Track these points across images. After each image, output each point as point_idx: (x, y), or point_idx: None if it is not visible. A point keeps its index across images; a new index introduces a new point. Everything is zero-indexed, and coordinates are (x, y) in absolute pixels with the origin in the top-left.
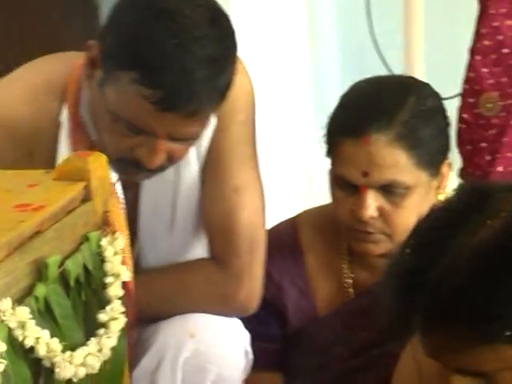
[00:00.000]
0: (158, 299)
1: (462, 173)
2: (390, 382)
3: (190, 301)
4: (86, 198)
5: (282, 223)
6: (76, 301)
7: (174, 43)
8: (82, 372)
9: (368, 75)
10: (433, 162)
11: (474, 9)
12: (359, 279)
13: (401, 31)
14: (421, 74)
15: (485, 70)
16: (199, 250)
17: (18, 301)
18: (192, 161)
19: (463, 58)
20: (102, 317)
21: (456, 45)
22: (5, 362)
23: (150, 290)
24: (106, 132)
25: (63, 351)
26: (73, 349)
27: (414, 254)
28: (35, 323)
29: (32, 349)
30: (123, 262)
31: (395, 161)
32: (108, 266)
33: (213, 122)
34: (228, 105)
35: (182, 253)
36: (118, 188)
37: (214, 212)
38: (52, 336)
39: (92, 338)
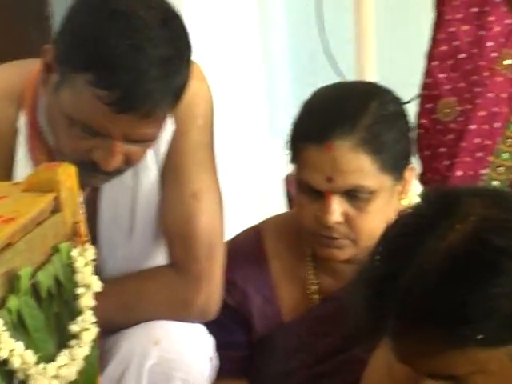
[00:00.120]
0: (117, 308)
1: (421, 178)
2: None
3: (150, 308)
4: (56, 209)
5: (245, 230)
6: (48, 312)
7: (127, 44)
8: None
9: (320, 83)
10: (396, 167)
11: (425, 16)
12: (323, 285)
13: (352, 39)
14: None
15: (442, 75)
16: (159, 256)
17: None
18: (150, 166)
19: (415, 65)
20: (74, 328)
21: (407, 52)
22: None
23: (109, 299)
24: (63, 136)
25: (37, 363)
26: (46, 361)
27: (383, 260)
28: (9, 335)
29: (5, 361)
30: None
31: (359, 166)
32: (79, 277)
33: (171, 127)
34: (186, 110)
35: (142, 260)
36: None
37: (172, 217)
38: (26, 348)
39: (64, 350)
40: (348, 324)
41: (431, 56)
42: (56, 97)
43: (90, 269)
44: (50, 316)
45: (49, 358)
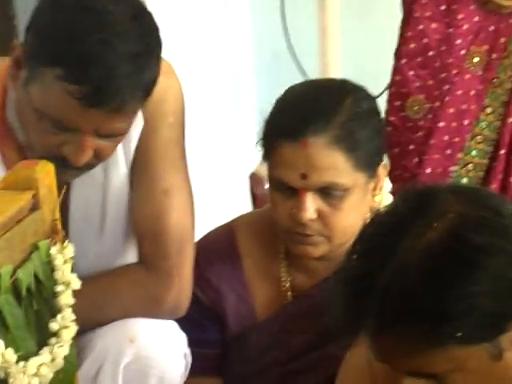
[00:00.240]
0: (89, 307)
1: (390, 175)
2: (330, 383)
3: (122, 306)
4: (35, 206)
5: (218, 228)
6: (28, 310)
7: (97, 39)
8: (35, 382)
9: (283, 81)
10: (370, 164)
11: (389, 15)
12: (297, 282)
13: (317, 38)
14: None
15: (411, 72)
16: (131, 254)
17: None
18: (120, 162)
19: (379, 64)
20: (54, 325)
21: (372, 51)
22: None
23: (80, 298)
24: (33, 131)
25: (17, 362)
26: (26, 359)
27: (361, 259)
28: None
29: None
30: None
31: (333, 163)
32: (58, 275)
33: (141, 123)
34: (157, 107)
35: (113, 257)
36: None
37: (143, 214)
38: (6, 346)
39: (44, 348)
40: (322, 321)
41: (400, 53)
42: (25, 92)
43: (69, 266)
44: (29, 314)
45: (29, 357)
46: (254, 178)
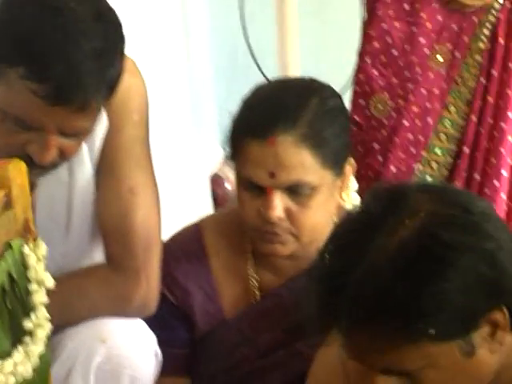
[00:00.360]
0: (57, 308)
1: (355, 174)
2: (297, 381)
3: (90, 306)
4: (7, 205)
5: (186, 228)
6: (1, 309)
7: (59, 37)
8: (11, 381)
9: (242, 82)
10: (337, 162)
11: (348, 12)
12: (264, 281)
13: (275, 36)
14: None
15: (375, 71)
16: (97, 253)
17: None
18: (85, 161)
19: (339, 62)
20: (28, 324)
21: (331, 50)
22: None
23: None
24: None
25: None
26: (1, 357)
27: (333, 257)
28: None
29: None
30: None
31: (301, 161)
32: (32, 273)
33: (105, 122)
34: (121, 106)
35: (80, 257)
36: None
37: (109, 213)
38: None
39: (19, 346)
40: (289, 319)
41: (363, 52)
42: None
43: (42, 265)
44: (3, 313)
45: (4, 355)
46: (215, 179)
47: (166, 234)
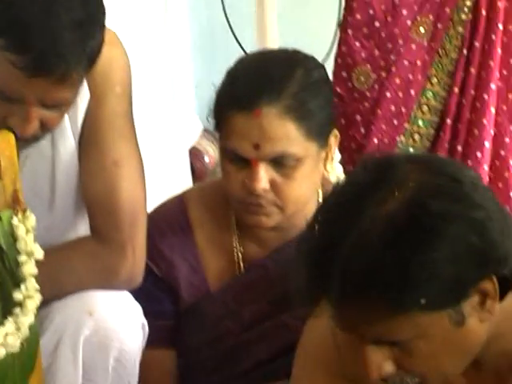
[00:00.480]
0: (43, 282)
1: (338, 146)
2: (283, 353)
3: (76, 279)
4: None
5: (170, 200)
6: None
7: (39, 8)
8: (1, 352)
9: (220, 55)
10: (321, 133)
11: None
12: (249, 253)
13: (254, 10)
14: None
15: (357, 43)
16: (82, 226)
17: None
18: (68, 134)
19: (317, 35)
20: (18, 295)
21: (309, 23)
22: None
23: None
24: None
25: None
26: None
27: (322, 229)
28: None
29: None
30: None
31: (286, 133)
32: (21, 245)
33: (87, 94)
34: (103, 78)
35: (64, 230)
36: None
37: (93, 186)
38: None
39: (9, 317)
40: (274, 291)
41: (346, 25)
42: None
43: (31, 236)
44: None
45: None
46: (194, 152)
47: (146, 207)
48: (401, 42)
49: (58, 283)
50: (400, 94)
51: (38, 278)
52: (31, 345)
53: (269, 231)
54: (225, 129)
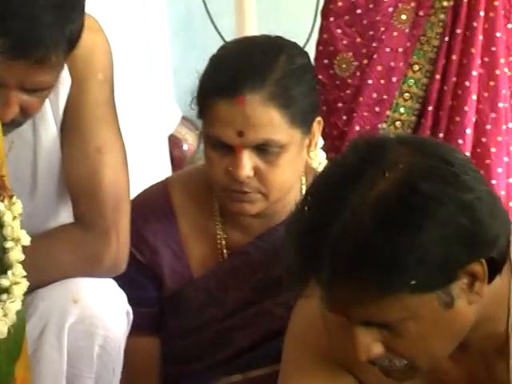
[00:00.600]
0: (27, 271)
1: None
2: (266, 340)
3: (60, 266)
4: None
5: (153, 186)
6: None
7: None
8: None
9: (198, 42)
10: (305, 120)
11: None
12: (232, 239)
13: None
14: None
15: (338, 31)
16: (64, 213)
17: None
18: (50, 120)
19: (296, 22)
20: (5, 281)
21: (288, 10)
22: None
23: None
24: None
25: None
26: None
27: (313, 210)
28: None
29: None
30: None
31: (269, 120)
32: (8, 231)
33: (69, 81)
34: (85, 65)
35: (47, 217)
36: None
37: (76, 172)
38: None
39: None
40: (257, 277)
41: (327, 12)
42: None
43: (18, 223)
44: None
45: None
46: (173, 140)
47: (130, 193)
48: (382, 29)
49: (43, 271)
50: (382, 82)
51: (24, 265)
52: (18, 331)
53: (252, 218)
54: (208, 116)
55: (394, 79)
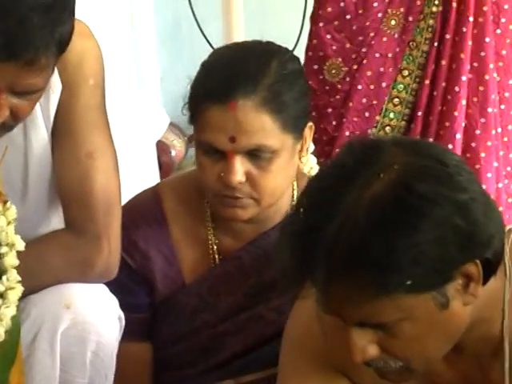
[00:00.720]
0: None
1: None
2: (258, 345)
3: (52, 272)
4: None
5: (144, 192)
6: None
7: None
8: None
9: (186, 48)
10: (297, 126)
11: None
12: (223, 245)
13: (219, 3)
14: None
15: (328, 36)
16: (55, 218)
17: None
18: (41, 125)
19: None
20: None
21: (275, 15)
22: None
23: None
24: None
25: None
26: None
27: (308, 212)
28: None
29: None
30: None
31: (262, 125)
32: (2, 236)
33: (59, 86)
34: (76, 70)
35: (38, 222)
36: None
37: (67, 178)
38: None
39: None
40: (249, 282)
41: (317, 17)
42: None
43: (12, 228)
44: None
45: None
46: (161, 146)
47: (121, 198)
48: (372, 34)
49: (34, 276)
50: (371, 87)
51: (19, 270)
52: (13, 336)
53: (244, 223)
54: (200, 121)
55: (384, 84)
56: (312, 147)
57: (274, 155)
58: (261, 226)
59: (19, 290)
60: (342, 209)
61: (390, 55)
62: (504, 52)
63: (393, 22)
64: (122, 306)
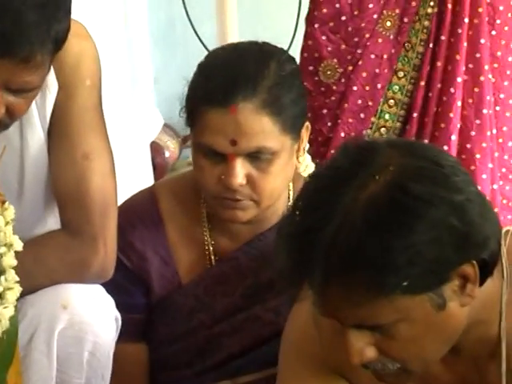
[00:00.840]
0: None
1: None
2: (255, 346)
3: (48, 273)
4: None
5: (140, 193)
6: None
7: None
8: None
9: (180, 49)
10: (295, 126)
11: None
12: (220, 246)
13: (214, 4)
14: None
15: (323, 37)
16: (51, 219)
17: None
18: (37, 125)
19: (277, 29)
20: None
21: (270, 16)
22: None
23: None
24: None
25: None
26: None
27: (304, 213)
28: None
29: None
30: None
31: (262, 128)
32: (0, 236)
33: (56, 86)
34: (73, 71)
35: (33, 223)
36: None
37: (63, 179)
38: None
39: None
40: (246, 283)
41: (312, 18)
42: None
43: (10, 228)
44: None
45: None
46: (155, 147)
47: (117, 199)
48: (367, 35)
49: (31, 277)
50: (367, 88)
51: (17, 270)
52: (10, 337)
53: (240, 224)
54: (199, 124)
55: (379, 86)
56: (307, 146)
57: (274, 156)
58: (257, 226)
59: (17, 290)
60: (339, 210)
61: (385, 56)
62: (499, 53)
63: (388, 24)
64: (119, 307)
